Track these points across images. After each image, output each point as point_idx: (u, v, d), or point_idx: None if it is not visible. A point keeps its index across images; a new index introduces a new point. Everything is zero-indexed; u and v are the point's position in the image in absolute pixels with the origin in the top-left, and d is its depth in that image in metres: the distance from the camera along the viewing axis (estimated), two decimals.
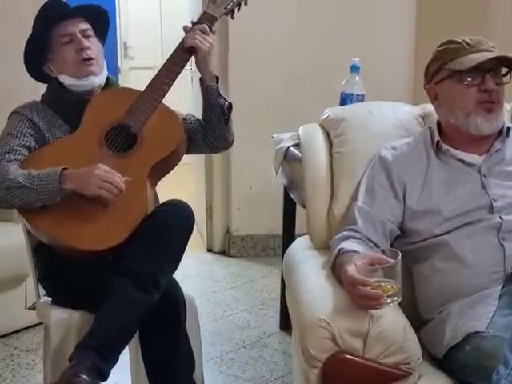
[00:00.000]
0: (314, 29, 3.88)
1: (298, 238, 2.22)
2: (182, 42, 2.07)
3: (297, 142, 2.50)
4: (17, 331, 2.94)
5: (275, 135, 2.83)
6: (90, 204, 1.90)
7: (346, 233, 1.81)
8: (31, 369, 2.67)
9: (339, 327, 1.52)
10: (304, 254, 2.04)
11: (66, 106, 2.08)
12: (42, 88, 2.18)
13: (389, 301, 1.48)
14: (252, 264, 3.95)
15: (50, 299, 2.08)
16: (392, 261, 1.49)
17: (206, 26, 2.07)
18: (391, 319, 1.54)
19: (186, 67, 4.81)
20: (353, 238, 1.78)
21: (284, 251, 2.88)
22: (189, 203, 2.00)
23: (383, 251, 1.58)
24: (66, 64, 2.06)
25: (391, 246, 1.81)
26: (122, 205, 1.90)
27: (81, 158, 1.95)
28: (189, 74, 4.58)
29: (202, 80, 2.12)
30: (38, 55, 2.09)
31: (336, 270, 1.73)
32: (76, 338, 1.95)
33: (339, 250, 1.73)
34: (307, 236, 2.10)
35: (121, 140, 1.99)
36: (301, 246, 2.13)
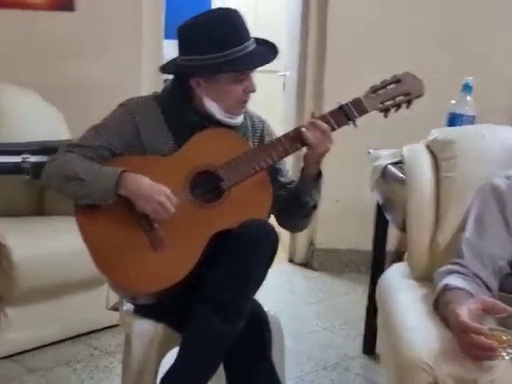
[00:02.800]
0: (426, 42, 3.70)
1: (394, 265, 2.11)
2: (302, 127, 1.84)
3: (397, 160, 2.39)
4: (96, 331, 2.93)
5: (372, 151, 2.72)
6: (140, 241, 1.80)
7: (451, 266, 1.69)
8: (109, 372, 2.64)
9: (443, 372, 1.41)
10: (401, 283, 1.95)
11: (184, 125, 1.91)
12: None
13: (504, 354, 1.35)
14: (334, 279, 3.83)
15: (133, 307, 2.04)
16: (510, 309, 1.35)
17: (329, 130, 1.81)
18: (505, 369, 1.41)
19: (280, 72, 4.72)
20: (458, 272, 1.67)
21: (373, 269, 2.78)
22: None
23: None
24: (227, 98, 1.88)
25: (500, 284, 1.68)
26: (170, 255, 1.79)
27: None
28: (281, 80, 4.52)
29: (303, 171, 1.91)
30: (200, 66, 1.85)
31: (440, 308, 1.61)
32: (158, 349, 1.91)
33: (445, 285, 1.61)
34: (404, 263, 1.99)
35: (206, 188, 1.87)
36: (397, 273, 2.03)
